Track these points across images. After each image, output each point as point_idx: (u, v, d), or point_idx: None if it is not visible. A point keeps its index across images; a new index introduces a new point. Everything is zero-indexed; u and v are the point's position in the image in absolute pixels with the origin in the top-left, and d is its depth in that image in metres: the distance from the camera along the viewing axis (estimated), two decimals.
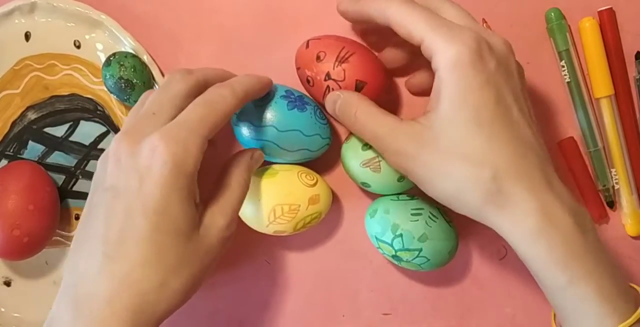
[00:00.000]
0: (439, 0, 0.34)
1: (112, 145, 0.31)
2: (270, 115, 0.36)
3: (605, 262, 0.30)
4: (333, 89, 0.35)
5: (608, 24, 0.39)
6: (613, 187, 0.40)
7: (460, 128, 0.30)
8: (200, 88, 0.33)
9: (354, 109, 0.33)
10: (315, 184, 0.37)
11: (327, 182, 0.39)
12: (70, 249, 0.31)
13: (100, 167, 0.32)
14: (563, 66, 0.39)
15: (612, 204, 0.40)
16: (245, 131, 0.36)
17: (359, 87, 0.35)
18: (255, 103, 0.36)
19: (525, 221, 0.29)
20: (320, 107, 0.38)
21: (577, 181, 0.40)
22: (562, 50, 0.39)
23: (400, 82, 0.41)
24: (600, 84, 0.39)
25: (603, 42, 0.39)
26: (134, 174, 0.29)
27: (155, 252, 0.29)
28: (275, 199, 0.37)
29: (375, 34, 0.40)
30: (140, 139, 0.30)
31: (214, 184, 0.34)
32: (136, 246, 0.29)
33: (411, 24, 0.31)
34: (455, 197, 0.31)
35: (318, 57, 0.36)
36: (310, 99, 0.38)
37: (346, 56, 0.35)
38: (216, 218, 0.32)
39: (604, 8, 0.39)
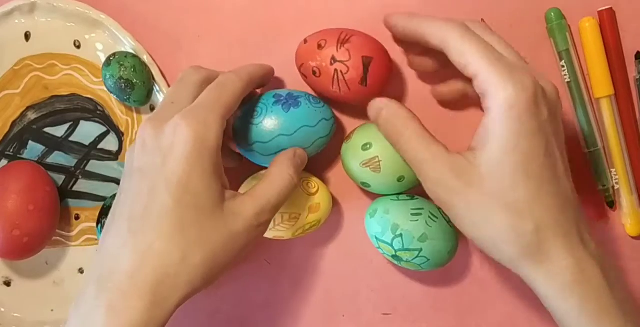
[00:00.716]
0: (490, 33, 0.33)
1: (138, 132, 0.32)
2: (272, 125, 0.35)
3: (633, 316, 0.30)
4: (342, 72, 0.35)
5: (608, 24, 0.39)
6: (613, 187, 0.40)
7: (509, 174, 0.30)
8: (211, 80, 0.35)
9: (403, 126, 0.33)
10: (316, 192, 0.38)
11: (328, 183, 0.39)
12: (101, 234, 0.32)
13: (129, 155, 0.33)
14: (563, 66, 0.39)
15: (612, 204, 0.40)
16: (258, 151, 0.36)
17: (366, 63, 0.35)
18: (252, 122, 0.36)
19: (561, 276, 0.30)
20: (312, 94, 0.38)
21: (576, 181, 0.40)
22: (562, 50, 0.39)
23: (399, 83, 0.41)
24: (600, 84, 0.39)
25: (603, 42, 0.39)
26: (158, 153, 0.30)
27: (178, 226, 0.29)
28: None
29: (406, 45, 0.40)
30: (163, 123, 0.31)
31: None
32: (159, 219, 0.29)
33: (470, 56, 0.31)
34: (493, 244, 0.31)
35: (319, 46, 0.36)
36: (300, 91, 0.37)
37: (346, 38, 0.35)
38: (246, 205, 0.32)
39: (604, 8, 0.39)
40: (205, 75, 0.35)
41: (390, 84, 0.38)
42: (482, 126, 0.31)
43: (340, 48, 0.35)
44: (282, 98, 0.36)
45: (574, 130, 0.40)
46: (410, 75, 0.40)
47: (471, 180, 0.30)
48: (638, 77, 0.39)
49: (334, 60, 0.35)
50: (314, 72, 0.36)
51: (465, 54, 0.31)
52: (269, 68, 0.38)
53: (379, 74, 0.35)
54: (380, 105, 0.35)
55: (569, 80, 0.39)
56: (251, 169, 0.39)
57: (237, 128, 0.37)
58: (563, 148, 0.31)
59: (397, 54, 0.40)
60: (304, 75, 0.38)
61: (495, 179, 0.30)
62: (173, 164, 0.30)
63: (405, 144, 0.33)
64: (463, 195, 0.31)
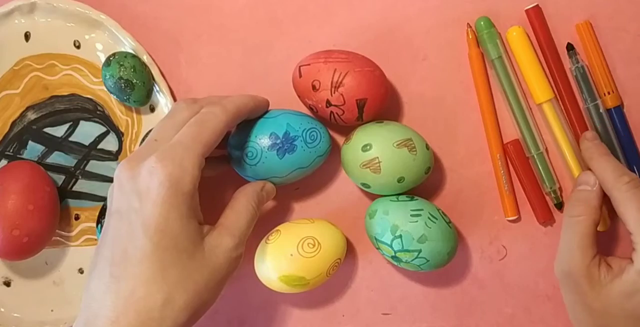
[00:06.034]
0: None
1: (116, 172, 0.32)
2: (266, 169, 0.37)
3: None
4: (337, 113, 0.37)
5: (537, 21, 0.38)
6: (560, 188, 0.40)
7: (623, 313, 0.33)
8: None
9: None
10: (316, 254, 0.37)
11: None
12: (88, 275, 0.32)
13: (109, 194, 0.33)
14: (497, 75, 0.38)
15: (560, 206, 0.40)
16: (251, 176, 0.38)
17: (360, 105, 0.36)
18: (247, 161, 0.36)
19: None
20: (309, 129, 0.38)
21: (522, 184, 0.40)
22: (494, 59, 0.38)
23: (399, 84, 0.41)
24: (538, 90, 0.38)
25: (537, 39, 0.38)
26: (134, 196, 0.30)
27: (158, 270, 0.29)
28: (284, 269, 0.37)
29: None
30: (140, 163, 0.31)
31: (224, 209, 0.35)
32: (139, 264, 0.29)
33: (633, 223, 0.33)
34: None
35: (314, 87, 0.36)
36: (298, 130, 0.37)
37: (340, 80, 0.36)
38: (224, 239, 0.32)
39: (530, 6, 0.38)
40: (196, 111, 0.34)
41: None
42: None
43: (335, 92, 0.36)
44: (278, 142, 0.36)
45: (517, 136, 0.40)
46: (405, 94, 0.41)
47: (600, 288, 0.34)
48: (573, 68, 0.38)
49: (329, 103, 0.36)
50: (312, 109, 0.38)
51: (630, 221, 0.33)
52: (262, 100, 0.37)
53: (373, 110, 0.37)
54: (585, 190, 0.36)
55: (503, 88, 0.39)
56: (236, 177, 0.39)
57: (232, 155, 0.37)
58: None
59: (390, 69, 0.39)
60: (303, 104, 0.39)
61: (611, 309, 0.33)
62: (150, 208, 0.30)
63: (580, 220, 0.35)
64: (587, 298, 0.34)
